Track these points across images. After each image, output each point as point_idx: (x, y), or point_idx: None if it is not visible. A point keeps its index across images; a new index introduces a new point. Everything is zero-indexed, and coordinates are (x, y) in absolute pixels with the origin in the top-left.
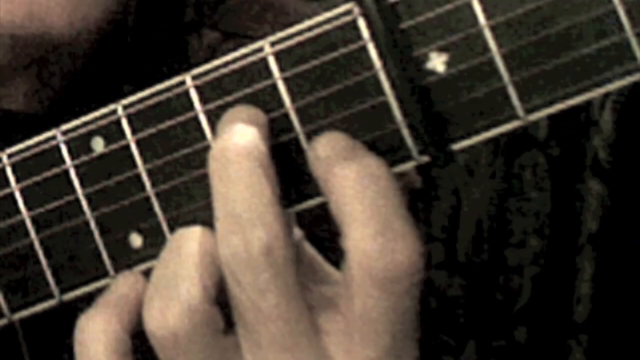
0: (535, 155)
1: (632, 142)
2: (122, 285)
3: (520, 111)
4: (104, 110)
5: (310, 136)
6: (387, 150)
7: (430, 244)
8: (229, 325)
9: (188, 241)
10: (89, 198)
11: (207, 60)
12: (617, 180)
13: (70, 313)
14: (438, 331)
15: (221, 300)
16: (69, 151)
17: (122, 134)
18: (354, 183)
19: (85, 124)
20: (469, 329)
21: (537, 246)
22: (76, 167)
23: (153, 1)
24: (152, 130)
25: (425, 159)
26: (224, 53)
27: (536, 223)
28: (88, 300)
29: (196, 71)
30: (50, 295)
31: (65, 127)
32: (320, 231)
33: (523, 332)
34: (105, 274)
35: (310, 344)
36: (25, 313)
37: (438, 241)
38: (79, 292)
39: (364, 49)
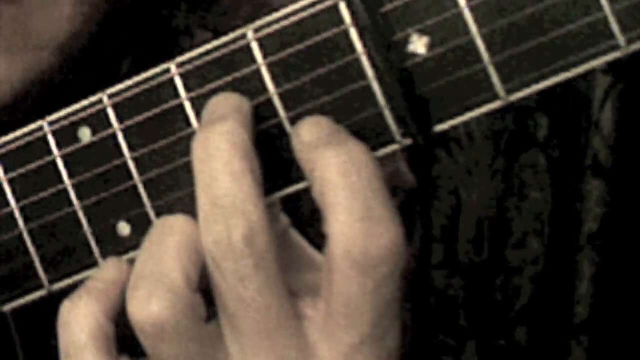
0: (535, 155)
1: (633, 142)
2: (107, 272)
3: (501, 91)
4: (89, 100)
5: (294, 121)
6: (371, 133)
7: (430, 244)
8: (212, 313)
9: (170, 229)
10: (76, 188)
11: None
12: (617, 180)
13: (60, 299)
14: (438, 331)
15: (204, 288)
16: (56, 141)
17: (108, 123)
18: (336, 168)
19: (72, 113)
20: (469, 329)
21: (537, 246)
22: (63, 157)
23: (147, 3)
24: (138, 119)
25: (408, 141)
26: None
27: (536, 223)
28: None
29: (180, 59)
30: (40, 286)
31: (51, 117)
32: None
33: (523, 332)
34: (93, 263)
35: (291, 332)
36: (15, 304)
37: (438, 241)
38: (68, 281)
39: (345, 33)
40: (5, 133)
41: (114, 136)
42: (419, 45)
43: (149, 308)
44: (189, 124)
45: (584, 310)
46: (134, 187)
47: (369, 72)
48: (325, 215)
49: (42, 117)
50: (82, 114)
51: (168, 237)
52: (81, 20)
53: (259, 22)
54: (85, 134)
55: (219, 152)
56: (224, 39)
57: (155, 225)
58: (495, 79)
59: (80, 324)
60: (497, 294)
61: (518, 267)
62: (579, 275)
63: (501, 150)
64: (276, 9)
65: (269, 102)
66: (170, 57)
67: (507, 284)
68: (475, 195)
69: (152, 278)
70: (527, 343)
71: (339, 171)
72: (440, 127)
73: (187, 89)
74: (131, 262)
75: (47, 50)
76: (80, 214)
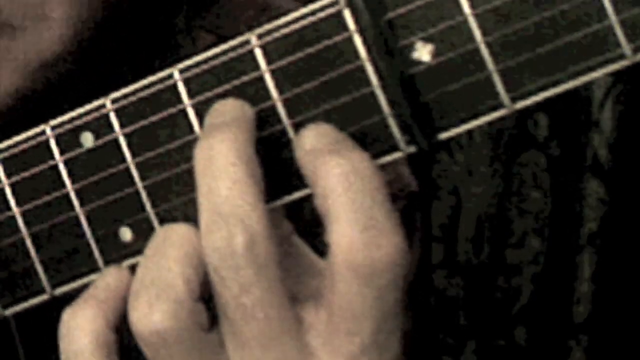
0: (535, 155)
1: (632, 142)
2: (108, 280)
3: (505, 99)
4: (92, 105)
5: (297, 128)
6: (375, 141)
7: (430, 244)
8: (214, 321)
9: (172, 238)
10: (78, 193)
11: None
12: (617, 180)
13: (63, 305)
14: (438, 331)
15: (206, 297)
16: (59, 146)
17: (111, 129)
18: (338, 177)
19: (74, 119)
20: (469, 329)
21: (537, 246)
22: (66, 162)
23: (146, 3)
24: (141, 124)
25: (412, 149)
26: None
27: (536, 223)
28: (80, 293)
29: (184, 64)
30: (42, 290)
31: (54, 122)
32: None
33: (523, 332)
34: (95, 268)
35: (293, 340)
36: (17, 308)
37: (438, 241)
38: (70, 286)
39: (350, 40)
40: (7, 137)
41: (116, 141)
42: (423, 52)
43: (151, 317)
44: (191, 129)
45: (584, 310)
46: (136, 192)
47: (373, 79)
48: (327, 224)
49: (44, 121)
50: (85, 119)
51: (170, 245)
52: (72, 38)
53: (262, 28)
54: (87, 139)
55: (221, 160)
56: (227, 45)
57: (157, 233)
58: (500, 87)
59: (81, 332)
60: (497, 294)
61: (518, 267)
62: (579, 275)
63: (501, 150)
64: (279, 13)
65: (273, 108)
66: (170, 58)
67: (507, 284)
68: (475, 195)
69: (154, 286)
70: (527, 343)
71: (341, 180)
72: (445, 135)
73: (190, 94)
74: (133, 267)
75: (35, 68)
76: (83, 219)
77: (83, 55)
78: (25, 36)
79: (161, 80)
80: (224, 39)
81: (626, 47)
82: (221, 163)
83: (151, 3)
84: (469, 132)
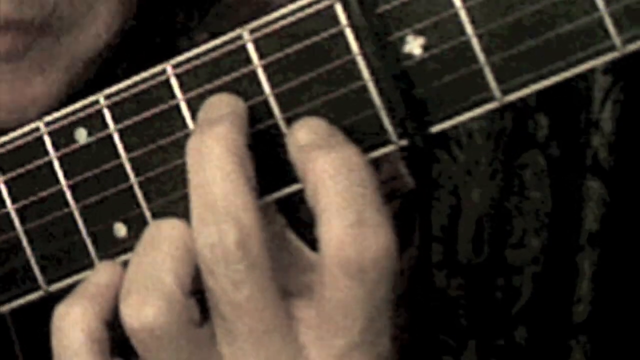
0: (535, 155)
1: (632, 142)
2: (101, 275)
3: (497, 92)
4: (86, 101)
5: (290, 122)
6: (367, 134)
7: (430, 244)
8: (205, 316)
9: (163, 233)
10: (73, 189)
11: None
12: (617, 180)
13: (59, 300)
14: (438, 331)
15: (197, 291)
16: (53, 143)
17: (105, 124)
18: (329, 172)
19: (68, 114)
20: (469, 329)
21: (537, 246)
22: (60, 158)
23: (145, 4)
24: (134, 120)
25: (404, 142)
26: None
27: (536, 223)
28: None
29: (176, 60)
30: (37, 287)
31: (48, 118)
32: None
33: (523, 332)
34: (90, 264)
35: (283, 335)
36: (12, 305)
37: (438, 241)
38: (65, 282)
39: (341, 34)
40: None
41: (110, 137)
42: (414, 46)
43: (142, 313)
44: (185, 125)
45: (584, 310)
46: (131, 188)
47: (365, 73)
48: (317, 219)
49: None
50: (79, 115)
51: (161, 240)
52: (117, 31)
53: (255, 23)
54: (81, 135)
55: (213, 156)
56: (220, 40)
57: (149, 228)
58: (491, 79)
59: (73, 328)
60: (497, 294)
61: (518, 267)
62: (579, 275)
63: (501, 150)
64: (275, 10)
65: (265, 103)
66: (168, 58)
67: (507, 284)
68: (475, 195)
69: (145, 282)
70: (527, 343)
71: (331, 176)
72: (436, 128)
73: (183, 90)
74: (127, 263)
75: (77, 67)
76: (77, 215)
77: (118, 47)
78: (71, 34)
79: (154, 76)
80: (218, 36)
81: (616, 38)
82: (213, 158)
83: (152, 3)
84: (469, 132)
